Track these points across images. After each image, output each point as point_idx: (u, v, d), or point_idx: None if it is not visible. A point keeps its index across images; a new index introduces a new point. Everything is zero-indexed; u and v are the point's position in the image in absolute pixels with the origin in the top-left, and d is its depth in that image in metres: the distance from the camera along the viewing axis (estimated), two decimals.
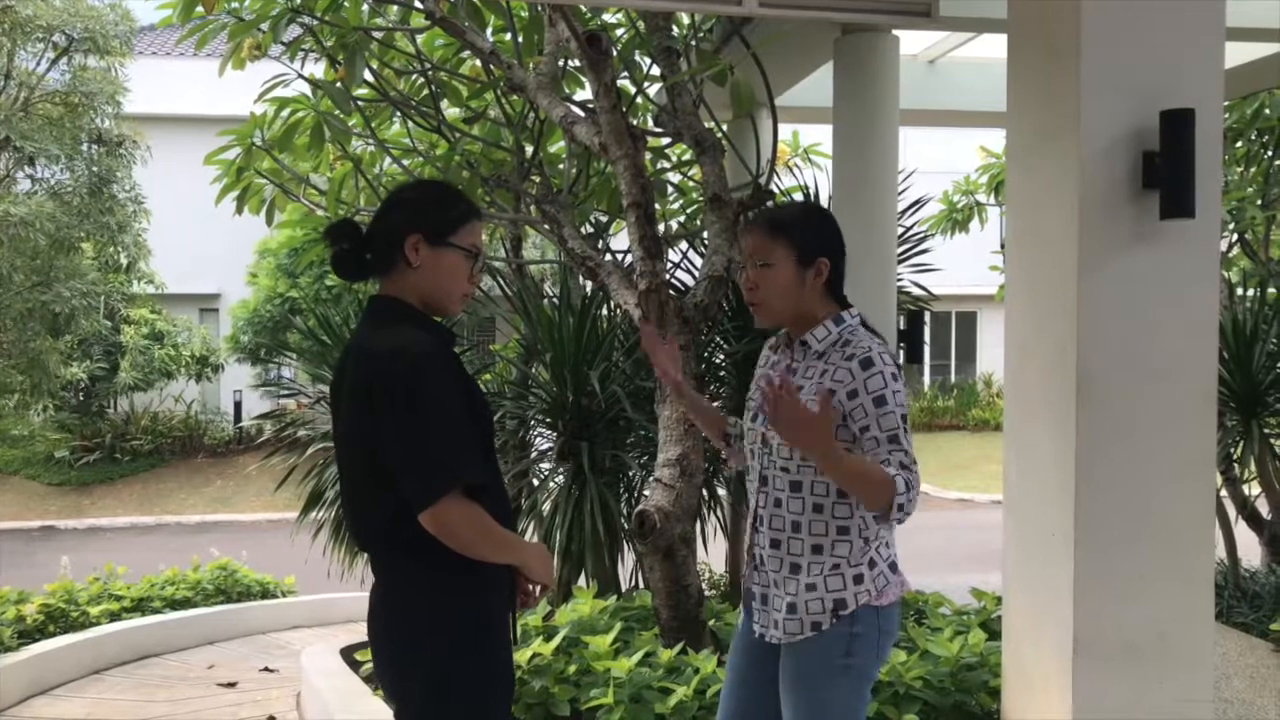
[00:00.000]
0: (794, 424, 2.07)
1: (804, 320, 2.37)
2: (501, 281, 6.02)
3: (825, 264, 2.34)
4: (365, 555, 2.31)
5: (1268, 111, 6.95)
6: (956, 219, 9.44)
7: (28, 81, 10.45)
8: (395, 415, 2.01)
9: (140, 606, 7.42)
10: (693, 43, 5.06)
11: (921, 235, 6.50)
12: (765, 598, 2.37)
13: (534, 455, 5.34)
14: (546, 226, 4.81)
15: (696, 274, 5.12)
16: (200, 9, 4.82)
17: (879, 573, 2.30)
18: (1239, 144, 7.36)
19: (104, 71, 10.72)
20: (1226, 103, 6.15)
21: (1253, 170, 7.48)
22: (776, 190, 5.01)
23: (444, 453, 2.02)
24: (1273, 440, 5.93)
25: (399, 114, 5.63)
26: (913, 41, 6.05)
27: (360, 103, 5.27)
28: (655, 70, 4.94)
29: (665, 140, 5.23)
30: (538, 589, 2.30)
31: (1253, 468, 6.05)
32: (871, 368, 2.22)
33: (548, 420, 5.33)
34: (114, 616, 7.16)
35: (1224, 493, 6.26)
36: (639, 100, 5.24)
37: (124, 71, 11.01)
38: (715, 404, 5.18)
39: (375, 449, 2.06)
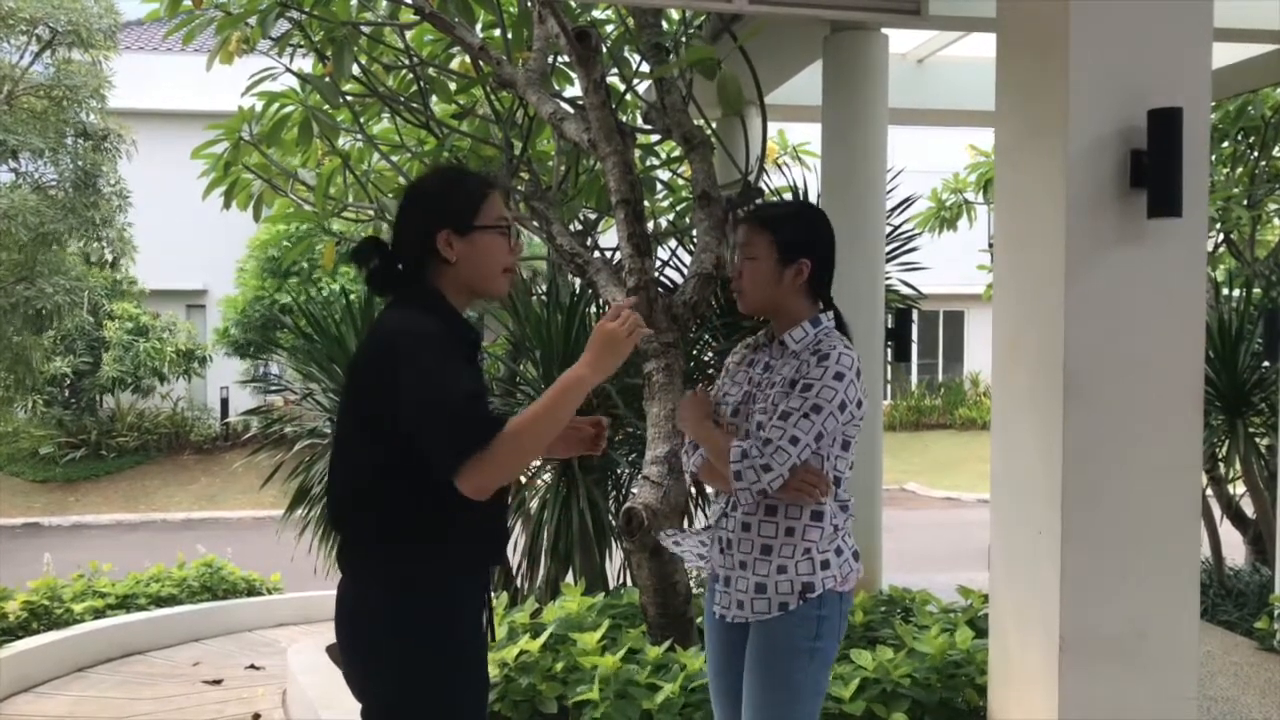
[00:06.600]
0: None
1: (783, 316, 2.44)
2: None
3: (806, 264, 2.40)
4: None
5: (1253, 111, 6.99)
6: (945, 217, 9.47)
7: (11, 75, 10.36)
8: (401, 394, 1.99)
9: (125, 604, 7.38)
10: (682, 39, 5.05)
11: (910, 234, 6.51)
12: (728, 580, 2.44)
13: None
14: (535, 223, 4.79)
15: (685, 271, 5.12)
16: (187, 3, 4.79)
17: (845, 560, 2.41)
18: (1225, 144, 7.39)
19: (89, 65, 10.64)
20: (1213, 103, 6.17)
21: (1239, 171, 7.52)
22: (766, 188, 5.01)
23: (452, 423, 1.98)
24: (1257, 439, 5.97)
25: (388, 109, 5.60)
26: (902, 40, 6.05)
27: (349, 98, 5.24)
28: (645, 67, 4.94)
29: (654, 137, 5.23)
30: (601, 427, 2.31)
31: (1237, 467, 6.08)
32: (825, 361, 2.33)
33: None
34: (98, 614, 7.12)
35: (1209, 492, 6.30)
36: (628, 97, 5.23)
37: (109, 66, 10.93)
38: None
39: (364, 418, 2.06)
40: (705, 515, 5.35)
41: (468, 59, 5.08)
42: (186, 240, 18.07)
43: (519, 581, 5.22)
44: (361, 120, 5.51)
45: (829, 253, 2.46)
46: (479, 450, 1.95)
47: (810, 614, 2.35)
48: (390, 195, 5.73)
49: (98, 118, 10.93)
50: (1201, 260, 2.96)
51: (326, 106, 5.15)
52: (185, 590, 7.81)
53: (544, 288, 5.95)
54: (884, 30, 4.92)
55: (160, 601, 7.59)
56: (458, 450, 1.96)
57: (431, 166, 5.10)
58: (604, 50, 4.37)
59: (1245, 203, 7.23)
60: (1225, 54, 5.47)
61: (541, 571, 5.00)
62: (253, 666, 6.30)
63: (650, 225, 5.51)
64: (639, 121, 5.38)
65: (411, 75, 5.35)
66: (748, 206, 4.52)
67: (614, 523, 4.80)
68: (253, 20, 4.68)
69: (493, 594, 2.30)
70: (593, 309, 5.37)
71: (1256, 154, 7.42)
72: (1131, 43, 2.84)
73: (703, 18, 5.21)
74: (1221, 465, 6.23)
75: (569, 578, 4.86)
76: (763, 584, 2.37)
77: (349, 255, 2.26)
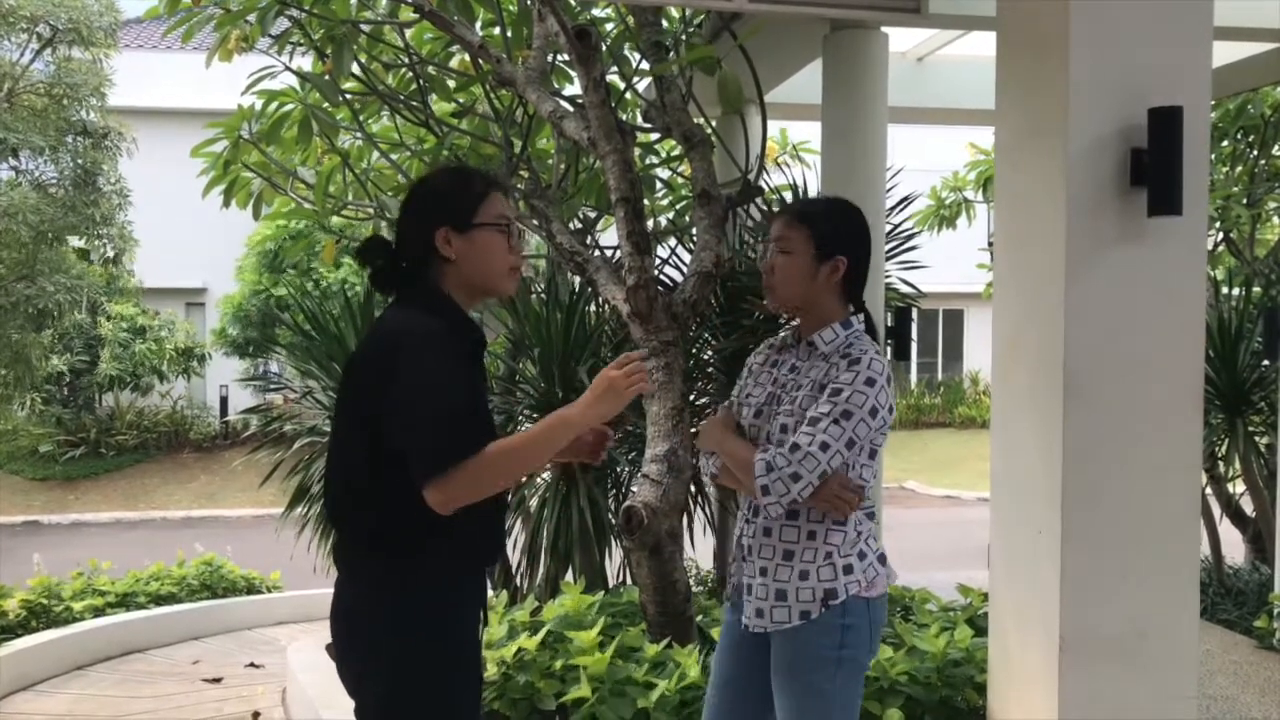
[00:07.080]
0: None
1: (813, 315, 2.39)
2: None
3: (843, 262, 2.36)
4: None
5: (1252, 110, 6.99)
6: (944, 215, 9.47)
7: (11, 73, 10.35)
8: (395, 391, 1.99)
9: (125, 602, 7.38)
10: (682, 38, 5.05)
11: (909, 233, 6.50)
12: (749, 587, 2.38)
13: None
14: (535, 222, 4.79)
15: (685, 270, 5.11)
16: (186, 0, 4.78)
17: (869, 564, 2.32)
18: (1225, 143, 7.39)
19: (89, 63, 10.63)
20: (1213, 101, 6.17)
21: (1238, 169, 7.52)
22: (766, 187, 5.01)
23: (438, 430, 1.98)
24: (1257, 438, 5.97)
25: (387, 108, 5.60)
26: (901, 38, 6.05)
27: (348, 96, 5.24)
28: (644, 65, 4.93)
29: (654, 136, 5.22)
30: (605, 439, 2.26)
31: (1237, 466, 6.09)
32: (856, 366, 2.28)
33: (535, 416, 5.32)
34: (98, 612, 7.12)
35: (1209, 491, 6.31)
36: (628, 96, 5.23)
37: (109, 64, 10.92)
38: (704, 399, 5.19)
39: (364, 417, 2.04)
40: (705, 514, 5.36)
41: (467, 57, 5.08)
42: (186, 238, 18.07)
43: (519, 579, 5.22)
44: (361, 118, 5.50)
45: (865, 253, 2.41)
46: (455, 465, 1.95)
47: (834, 622, 2.26)
48: (389, 193, 5.72)
49: (98, 116, 10.92)
50: (1202, 259, 2.96)
51: (326, 105, 5.14)
52: (185, 588, 7.81)
53: (543, 286, 5.94)
54: (884, 29, 4.91)
55: (160, 600, 7.59)
56: (436, 460, 1.95)
57: (436, 166, 5.11)
58: (604, 48, 4.36)
59: (1245, 201, 7.23)
60: (1225, 53, 5.47)
61: (541, 569, 5.00)
62: (252, 665, 6.30)
63: (650, 223, 5.51)
64: (639, 120, 5.38)
65: (411, 73, 5.35)
66: (747, 205, 4.52)
67: (614, 521, 4.80)
68: (252, 18, 4.68)
69: (491, 593, 2.30)
70: (592, 307, 5.37)
71: (1256, 152, 7.41)
72: (1131, 42, 2.83)
73: (703, 16, 5.21)
74: (1221, 464, 6.22)
75: (569, 576, 4.86)
76: (783, 590, 2.29)
77: (356, 253, 2.25)
